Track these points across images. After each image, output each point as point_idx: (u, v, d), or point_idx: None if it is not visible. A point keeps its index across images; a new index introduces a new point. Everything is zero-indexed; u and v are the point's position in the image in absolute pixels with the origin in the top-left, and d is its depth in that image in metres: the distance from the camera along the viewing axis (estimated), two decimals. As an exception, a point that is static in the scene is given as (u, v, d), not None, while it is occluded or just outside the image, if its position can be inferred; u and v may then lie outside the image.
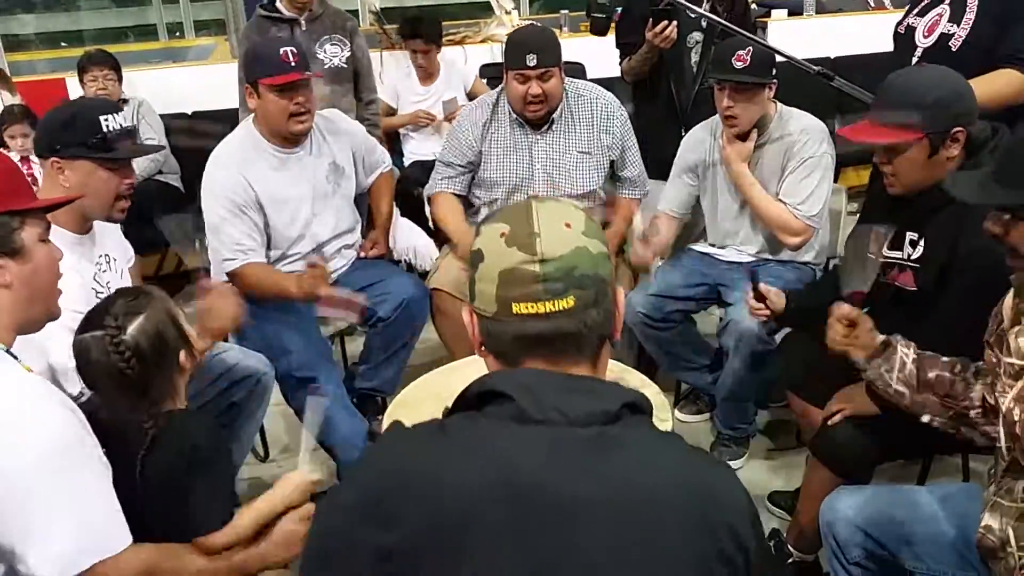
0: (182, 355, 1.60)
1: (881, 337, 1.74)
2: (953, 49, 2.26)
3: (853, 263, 1.96)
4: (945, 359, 1.69)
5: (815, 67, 2.42)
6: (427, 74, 4.09)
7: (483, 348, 1.02)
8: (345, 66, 3.42)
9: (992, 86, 2.18)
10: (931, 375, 1.67)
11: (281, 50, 2.43)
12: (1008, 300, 1.50)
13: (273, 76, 2.41)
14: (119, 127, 1.90)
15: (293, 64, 2.42)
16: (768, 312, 2.23)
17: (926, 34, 2.34)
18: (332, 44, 3.38)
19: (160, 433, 1.52)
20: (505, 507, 0.87)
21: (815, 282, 2.58)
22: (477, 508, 0.87)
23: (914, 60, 2.35)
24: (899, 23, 2.46)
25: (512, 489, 0.87)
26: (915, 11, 2.42)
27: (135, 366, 1.51)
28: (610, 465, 0.89)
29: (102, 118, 1.88)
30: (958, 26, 2.27)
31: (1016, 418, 1.40)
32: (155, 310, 1.57)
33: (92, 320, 1.55)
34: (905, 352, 1.71)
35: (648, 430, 0.96)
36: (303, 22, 3.34)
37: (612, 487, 0.88)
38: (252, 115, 2.56)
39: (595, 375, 1.00)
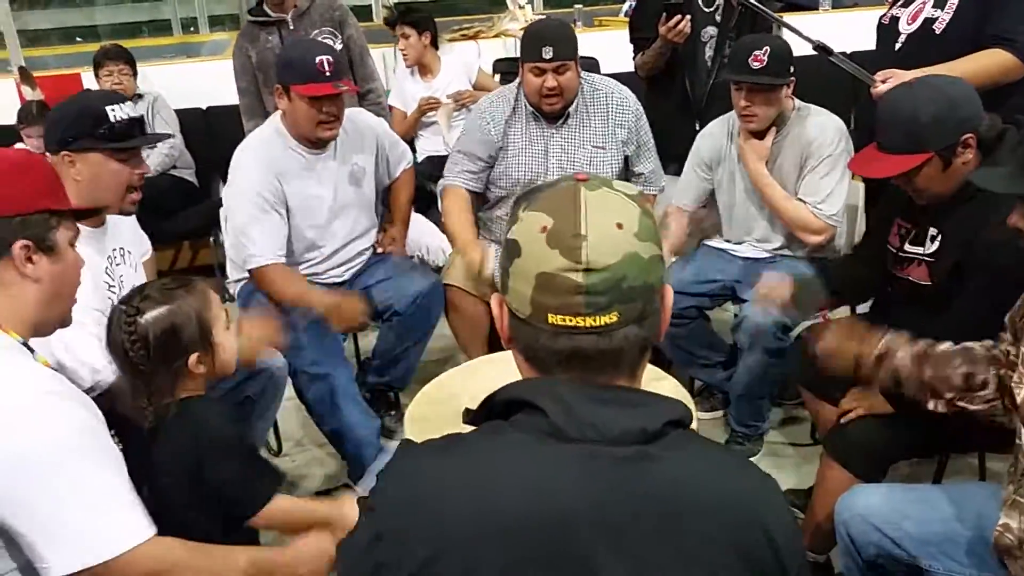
0: (192, 358, 1.54)
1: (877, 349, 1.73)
2: (937, 32, 2.27)
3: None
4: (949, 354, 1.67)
5: (813, 40, 2.43)
6: (424, 69, 4.08)
7: (512, 342, 0.93)
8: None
9: (980, 64, 2.19)
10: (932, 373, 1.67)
11: (317, 59, 2.40)
12: None
13: (306, 85, 2.39)
14: (126, 117, 1.89)
15: (328, 74, 2.40)
16: (776, 301, 2.23)
17: (910, 21, 2.35)
18: (323, 37, 3.22)
19: (162, 424, 1.52)
20: (526, 537, 0.82)
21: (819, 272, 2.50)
22: (483, 542, 0.82)
23: (897, 46, 2.36)
24: (883, 15, 2.47)
25: (536, 519, 0.82)
26: (899, 2, 2.42)
27: (139, 351, 1.51)
28: (642, 485, 0.84)
29: (109, 109, 1.87)
30: (942, 10, 2.27)
31: None
32: (183, 305, 1.54)
33: (129, 294, 1.58)
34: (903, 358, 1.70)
35: (691, 445, 0.90)
36: (290, 21, 3.21)
37: (639, 508, 0.83)
38: (280, 112, 2.54)
39: (632, 386, 0.92)
